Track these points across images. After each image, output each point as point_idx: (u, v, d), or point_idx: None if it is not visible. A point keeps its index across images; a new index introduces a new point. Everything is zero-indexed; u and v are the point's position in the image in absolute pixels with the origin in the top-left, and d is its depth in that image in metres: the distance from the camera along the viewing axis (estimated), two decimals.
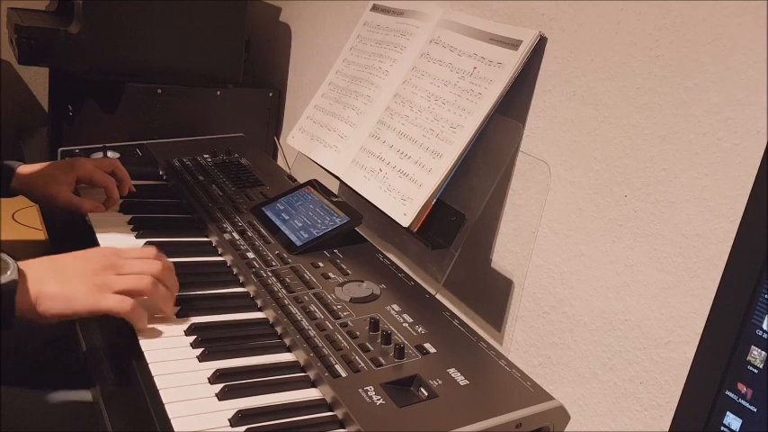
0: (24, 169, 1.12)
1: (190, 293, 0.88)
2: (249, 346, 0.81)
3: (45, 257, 0.82)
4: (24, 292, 0.76)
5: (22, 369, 0.91)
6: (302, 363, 0.78)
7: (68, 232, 1.17)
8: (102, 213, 1.10)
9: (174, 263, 0.95)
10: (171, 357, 0.77)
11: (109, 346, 0.84)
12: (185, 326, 0.82)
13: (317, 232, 1.03)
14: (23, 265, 0.78)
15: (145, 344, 0.78)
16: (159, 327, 0.82)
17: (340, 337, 0.80)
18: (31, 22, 1.44)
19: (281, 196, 1.15)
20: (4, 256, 0.76)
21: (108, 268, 0.82)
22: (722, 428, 0.53)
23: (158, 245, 0.98)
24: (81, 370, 0.82)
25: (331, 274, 0.94)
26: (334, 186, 1.20)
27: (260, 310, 0.88)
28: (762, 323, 0.51)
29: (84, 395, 0.84)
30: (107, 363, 0.82)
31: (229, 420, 0.68)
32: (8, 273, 0.75)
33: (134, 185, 1.18)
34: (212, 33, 1.55)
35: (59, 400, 0.86)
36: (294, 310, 0.85)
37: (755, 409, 0.51)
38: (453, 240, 0.99)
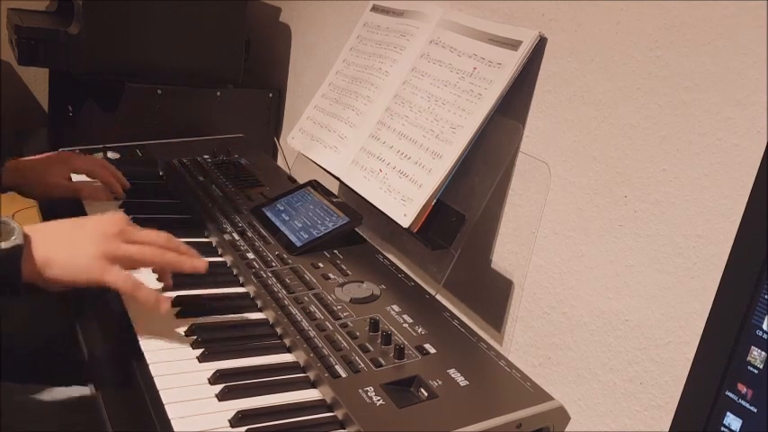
0: (14, 164, 1.09)
1: (190, 293, 0.88)
2: (249, 346, 0.81)
3: (54, 221, 0.79)
4: (29, 257, 0.73)
5: (22, 368, 0.91)
6: (302, 363, 0.78)
7: None
8: None
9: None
10: (171, 358, 0.77)
11: (109, 347, 0.84)
12: (185, 326, 0.82)
13: (317, 233, 1.03)
14: (30, 229, 0.75)
15: (145, 344, 0.78)
16: (159, 327, 0.82)
17: (340, 338, 0.80)
18: (31, 22, 1.45)
19: (281, 197, 1.15)
20: (10, 221, 0.74)
21: (118, 235, 0.79)
22: (722, 429, 0.53)
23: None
24: (81, 370, 0.82)
25: (331, 275, 0.94)
26: (334, 187, 1.20)
27: (260, 310, 0.88)
28: (762, 323, 0.51)
29: (84, 395, 0.84)
30: (107, 363, 0.82)
31: (229, 421, 0.68)
32: (12, 238, 0.73)
33: (134, 186, 1.18)
34: (212, 33, 1.55)
35: (59, 400, 0.86)
36: (294, 310, 0.85)
37: (755, 410, 0.51)
38: (453, 241, 0.99)
